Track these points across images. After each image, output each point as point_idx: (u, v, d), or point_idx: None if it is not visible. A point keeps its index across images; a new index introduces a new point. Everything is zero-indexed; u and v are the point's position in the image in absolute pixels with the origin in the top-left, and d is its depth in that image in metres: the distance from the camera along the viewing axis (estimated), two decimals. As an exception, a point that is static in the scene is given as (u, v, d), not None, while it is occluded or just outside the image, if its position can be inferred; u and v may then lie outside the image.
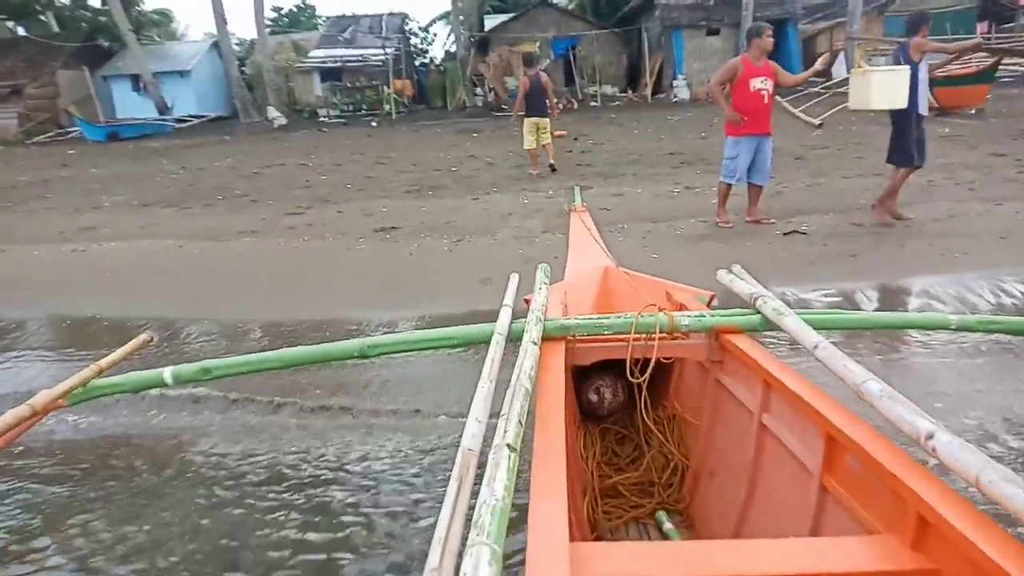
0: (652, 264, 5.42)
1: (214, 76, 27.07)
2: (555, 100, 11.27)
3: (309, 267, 6.46)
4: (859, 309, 4.63)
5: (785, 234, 6.38)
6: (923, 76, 5.97)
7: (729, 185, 6.57)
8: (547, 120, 10.26)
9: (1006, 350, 3.78)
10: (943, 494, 1.20)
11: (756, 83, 6.18)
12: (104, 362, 2.07)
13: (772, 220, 6.67)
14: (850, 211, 6.99)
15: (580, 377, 2.55)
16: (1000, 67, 14.34)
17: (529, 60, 10.97)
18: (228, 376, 2.08)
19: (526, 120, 10.20)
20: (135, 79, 25.53)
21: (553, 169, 10.44)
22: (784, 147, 10.93)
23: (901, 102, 5.84)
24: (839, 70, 20.31)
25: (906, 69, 5.83)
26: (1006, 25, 24.51)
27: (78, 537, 2.59)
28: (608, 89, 23.80)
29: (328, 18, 32.97)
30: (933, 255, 5.59)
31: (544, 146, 10.42)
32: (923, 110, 6.04)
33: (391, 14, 30.48)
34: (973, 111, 13.94)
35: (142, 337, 2.34)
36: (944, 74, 12.20)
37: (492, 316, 2.11)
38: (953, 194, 6.45)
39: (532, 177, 10.29)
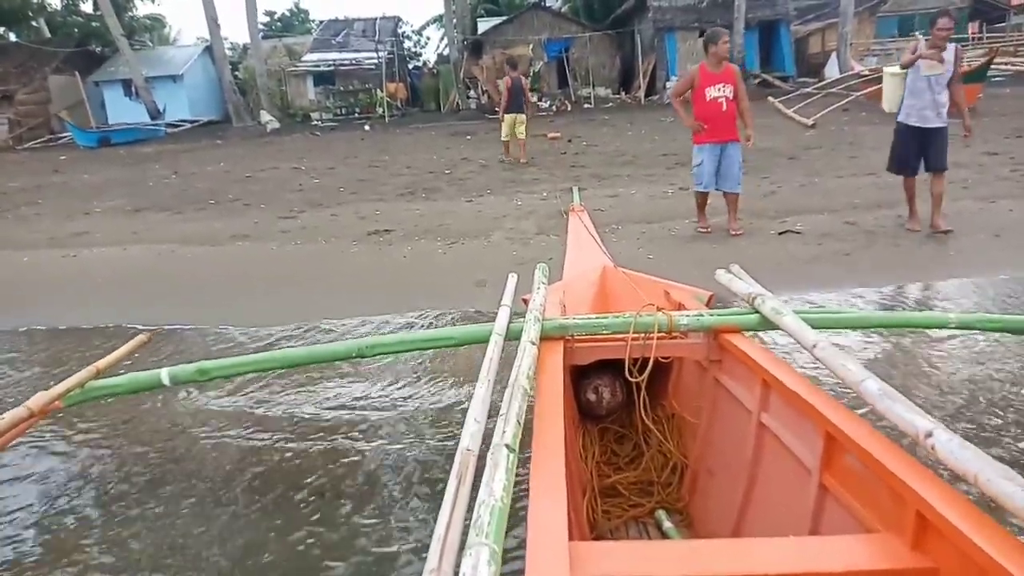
0: (647, 264, 5.41)
1: (207, 81, 26.98)
2: (531, 99, 13.50)
3: (303, 271, 6.44)
4: (856, 308, 4.64)
5: (779, 234, 6.39)
6: (911, 83, 5.77)
7: (703, 193, 6.54)
8: (524, 116, 11.73)
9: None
10: (942, 493, 1.20)
11: (712, 91, 6.11)
12: (102, 363, 2.06)
13: (741, 231, 6.44)
14: (844, 210, 7.01)
15: (579, 377, 2.55)
16: (992, 66, 14.41)
17: (514, 63, 12.43)
18: (226, 377, 2.07)
19: (507, 116, 11.64)
20: (127, 84, 25.40)
21: (518, 162, 11.73)
22: (778, 147, 10.97)
23: (892, 107, 5.76)
24: (831, 71, 20.44)
25: (888, 75, 5.83)
26: (997, 24, 24.67)
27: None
28: (601, 91, 23.83)
29: (321, 22, 32.87)
30: (927, 253, 5.61)
31: (519, 141, 11.80)
32: (910, 119, 5.81)
33: (384, 17, 30.47)
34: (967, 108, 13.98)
35: (140, 337, 2.33)
36: None
37: (488, 318, 2.10)
38: (947, 192, 6.46)
39: (511, 168, 11.32)
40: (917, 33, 7.60)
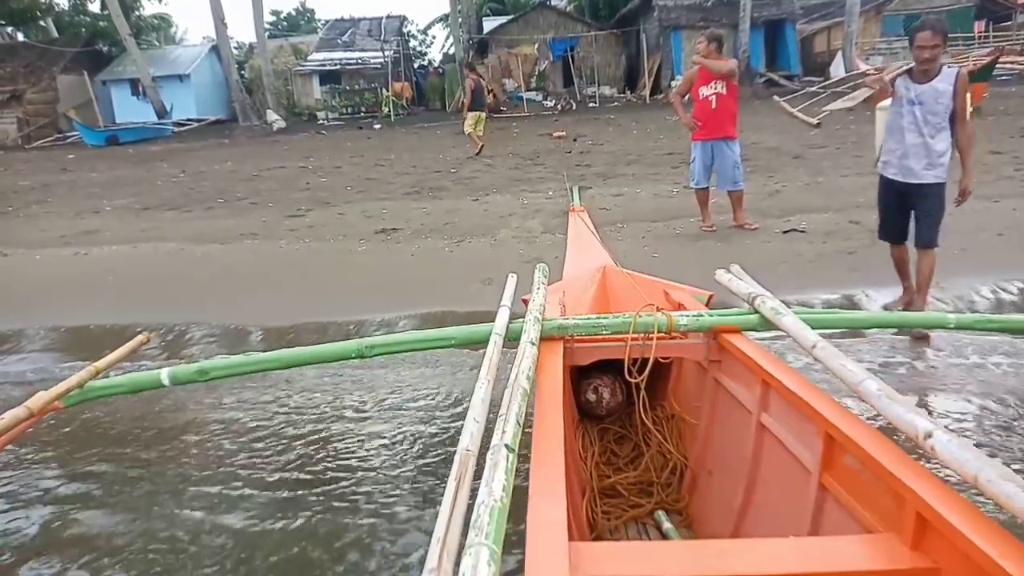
0: (652, 263, 5.42)
1: (213, 80, 27.06)
2: (489, 97, 16.05)
3: (310, 269, 6.46)
4: (858, 308, 4.63)
5: (784, 232, 6.38)
6: (889, 120, 4.18)
7: (701, 189, 6.59)
8: (484, 113, 13.59)
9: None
10: (942, 493, 1.20)
11: (704, 90, 6.26)
12: (101, 363, 2.07)
13: (755, 226, 6.55)
14: (848, 209, 6.98)
15: (578, 377, 2.55)
16: (997, 65, 14.35)
17: (472, 67, 14.47)
18: (226, 377, 2.08)
19: (471, 113, 13.26)
20: (134, 83, 25.49)
21: (478, 154, 12.92)
22: (783, 146, 10.94)
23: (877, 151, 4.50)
24: (836, 70, 20.35)
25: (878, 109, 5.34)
26: (1003, 23, 24.53)
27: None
28: (607, 90, 23.82)
29: (327, 21, 32.94)
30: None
31: (477, 134, 13.24)
32: (887, 169, 4.21)
33: (390, 16, 30.47)
34: (971, 109, 13.93)
35: (139, 338, 2.34)
36: None
37: (493, 317, 2.11)
38: (951, 192, 6.42)
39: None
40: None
